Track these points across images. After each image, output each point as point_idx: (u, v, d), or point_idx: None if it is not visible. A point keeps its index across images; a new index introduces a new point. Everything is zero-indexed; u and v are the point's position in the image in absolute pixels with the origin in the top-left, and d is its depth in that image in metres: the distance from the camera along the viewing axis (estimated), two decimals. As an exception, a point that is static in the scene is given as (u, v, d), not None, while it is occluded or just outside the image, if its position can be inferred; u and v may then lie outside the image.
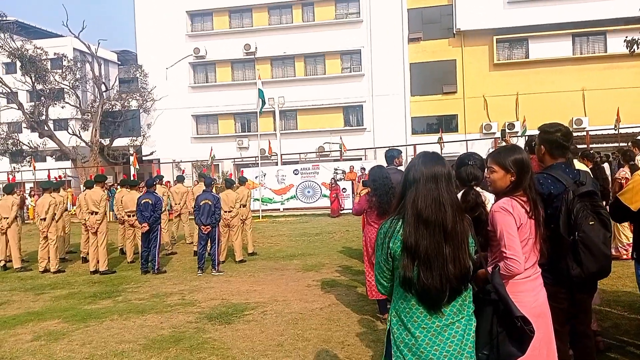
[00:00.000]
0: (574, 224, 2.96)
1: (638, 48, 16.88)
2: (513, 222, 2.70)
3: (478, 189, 3.31)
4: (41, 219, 10.37)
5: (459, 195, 3.30)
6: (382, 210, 5.41)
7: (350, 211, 20.01)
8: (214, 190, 10.79)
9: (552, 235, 2.98)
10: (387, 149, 6.74)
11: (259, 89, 19.18)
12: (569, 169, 3.17)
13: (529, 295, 2.76)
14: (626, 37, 17.58)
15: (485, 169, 3.26)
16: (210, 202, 9.46)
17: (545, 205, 3.02)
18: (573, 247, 2.97)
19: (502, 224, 2.71)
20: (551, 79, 28.17)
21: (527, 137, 7.18)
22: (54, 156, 34.20)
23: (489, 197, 3.32)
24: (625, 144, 21.76)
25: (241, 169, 22.57)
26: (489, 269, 2.41)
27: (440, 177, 2.26)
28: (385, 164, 6.39)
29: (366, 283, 5.77)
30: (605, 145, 22.07)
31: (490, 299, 2.28)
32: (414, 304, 2.26)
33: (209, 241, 9.61)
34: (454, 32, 29.69)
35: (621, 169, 8.33)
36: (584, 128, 26.62)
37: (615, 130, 20.31)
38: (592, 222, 2.98)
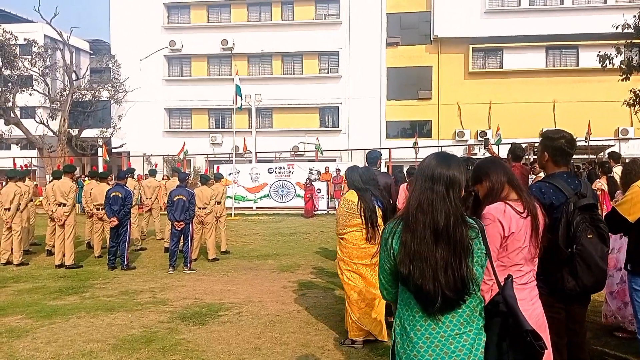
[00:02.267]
0: (572, 236, 2.91)
1: (610, 64, 17.28)
2: (498, 235, 2.62)
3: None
4: (5, 209, 9.90)
5: None
6: None
7: (324, 212, 20.02)
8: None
9: (549, 246, 2.92)
10: (369, 151, 6.64)
11: (236, 85, 18.93)
12: (570, 179, 3.11)
13: (525, 304, 2.67)
14: (599, 52, 17.96)
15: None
16: (184, 198, 9.21)
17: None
18: (570, 259, 2.92)
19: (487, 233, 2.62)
20: (523, 90, 28.68)
21: (510, 145, 7.18)
22: (19, 144, 33.11)
23: None
24: (594, 156, 22.33)
25: (216, 165, 22.22)
26: (501, 279, 2.31)
27: (438, 180, 2.15)
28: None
29: None
30: (574, 157, 22.56)
31: (499, 310, 2.18)
32: (417, 311, 2.15)
33: (181, 238, 9.38)
34: (431, 38, 29.94)
35: (597, 180, 8.45)
36: (554, 139, 27.21)
37: (586, 142, 20.76)
38: (591, 236, 2.93)
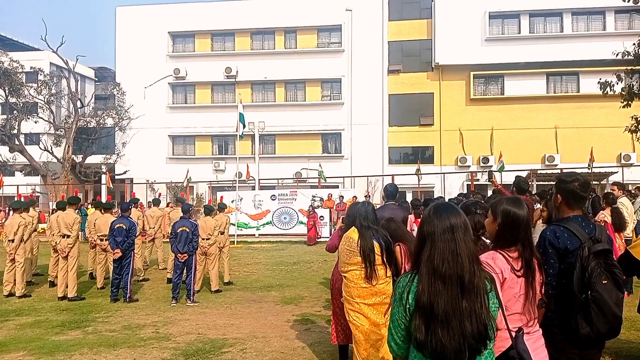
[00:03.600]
0: (587, 282, 2.88)
1: (611, 90, 17.39)
2: (497, 281, 2.57)
3: (484, 239, 3.23)
4: (9, 241, 9.92)
5: None
6: None
7: (327, 239, 19.92)
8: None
9: (564, 291, 2.90)
10: (387, 184, 6.64)
11: (240, 112, 19.08)
12: (585, 223, 3.10)
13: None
14: (600, 79, 18.09)
15: None
16: (187, 229, 9.20)
17: (559, 260, 2.94)
18: (584, 305, 2.89)
19: None
20: (525, 116, 28.85)
21: (515, 178, 7.19)
22: (23, 171, 33.27)
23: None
24: (597, 183, 22.30)
25: (220, 195, 22.26)
26: (512, 332, 2.30)
27: (456, 228, 2.18)
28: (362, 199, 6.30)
29: (332, 325, 5.49)
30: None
31: None
32: None
33: (184, 269, 9.34)
34: (433, 66, 30.27)
35: (601, 211, 8.42)
36: (556, 165, 27.29)
37: (589, 169, 20.77)
38: (606, 282, 2.90)
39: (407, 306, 2.17)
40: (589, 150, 21.91)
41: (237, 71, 31.44)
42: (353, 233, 4.78)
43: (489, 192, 19.59)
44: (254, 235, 21.38)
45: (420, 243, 2.24)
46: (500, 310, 2.21)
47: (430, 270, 2.13)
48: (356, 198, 20.28)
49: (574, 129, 27.86)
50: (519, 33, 29.62)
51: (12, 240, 9.88)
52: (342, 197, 20.86)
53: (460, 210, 2.26)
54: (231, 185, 26.11)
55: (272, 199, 21.82)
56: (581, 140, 26.58)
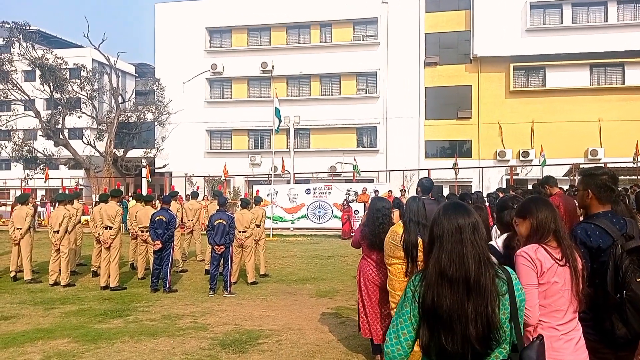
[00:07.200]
0: (622, 281, 2.78)
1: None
2: (532, 273, 2.53)
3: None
4: (54, 232, 10.29)
5: (502, 239, 3.16)
6: (370, 242, 5.22)
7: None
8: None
9: (597, 291, 2.81)
10: (423, 178, 6.54)
11: (275, 107, 19.20)
12: (616, 219, 2.97)
13: (568, 355, 2.56)
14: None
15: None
16: (224, 222, 9.34)
17: (591, 259, 2.84)
18: (619, 305, 2.79)
19: (520, 271, 2.55)
20: (567, 109, 28.02)
21: (543, 177, 7.00)
22: (67, 165, 34.43)
23: None
24: (643, 178, 21.49)
25: (256, 188, 22.50)
26: (530, 335, 2.26)
27: (464, 229, 2.15)
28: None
29: (360, 319, 5.45)
30: (621, 178, 21.78)
31: None
32: None
33: (221, 261, 9.49)
34: (471, 58, 29.73)
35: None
36: (600, 159, 26.42)
37: (634, 163, 20.05)
38: (639, 279, 2.80)
39: (419, 305, 2.15)
40: (634, 143, 21.12)
41: (272, 66, 31.65)
42: (398, 227, 4.74)
43: (529, 187, 19.14)
44: (289, 228, 21.56)
45: (429, 245, 2.24)
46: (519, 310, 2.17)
47: (437, 272, 2.13)
48: (378, 193, 19.95)
49: (618, 122, 26.91)
50: (561, 23, 28.76)
51: (57, 232, 10.24)
52: (377, 191, 20.74)
53: (470, 210, 2.23)
54: (267, 179, 26.36)
55: (307, 193, 21.93)
56: (626, 133, 25.63)
